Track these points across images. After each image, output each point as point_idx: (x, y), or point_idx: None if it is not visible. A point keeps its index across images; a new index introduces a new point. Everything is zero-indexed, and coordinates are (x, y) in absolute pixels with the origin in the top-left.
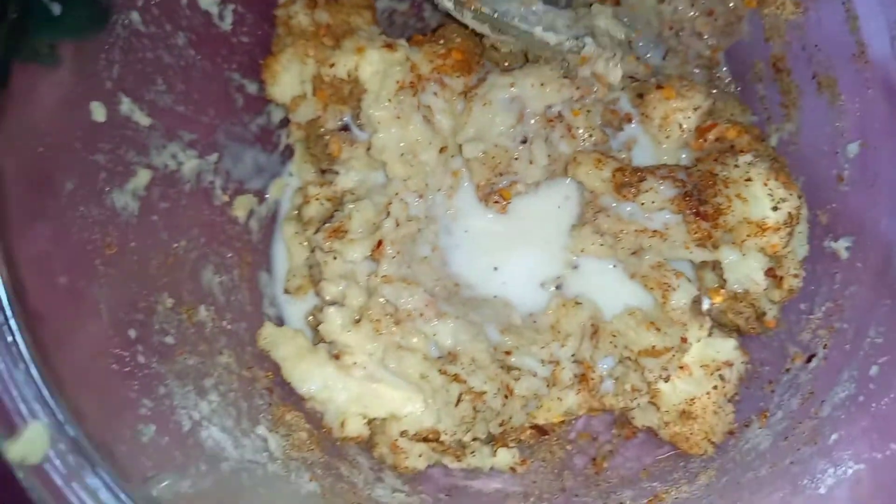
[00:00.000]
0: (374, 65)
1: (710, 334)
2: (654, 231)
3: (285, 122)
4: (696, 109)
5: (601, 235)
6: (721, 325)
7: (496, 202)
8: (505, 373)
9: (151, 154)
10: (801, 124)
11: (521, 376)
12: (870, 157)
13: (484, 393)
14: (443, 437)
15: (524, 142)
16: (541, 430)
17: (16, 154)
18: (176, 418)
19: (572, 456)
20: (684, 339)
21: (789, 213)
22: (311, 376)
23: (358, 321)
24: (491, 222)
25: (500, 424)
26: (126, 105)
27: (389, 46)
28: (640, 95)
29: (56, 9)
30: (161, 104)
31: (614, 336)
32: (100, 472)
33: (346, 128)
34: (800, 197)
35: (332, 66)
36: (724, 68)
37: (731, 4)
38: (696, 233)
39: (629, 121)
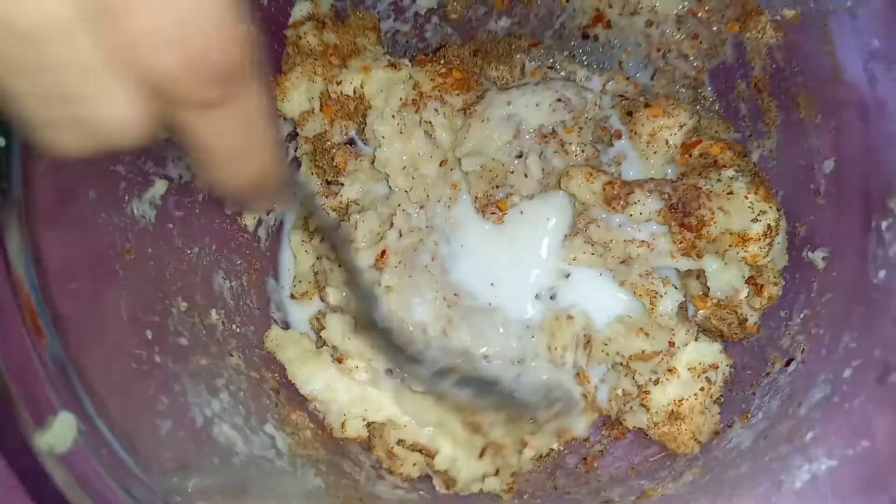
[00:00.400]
0: (378, 83)
1: (696, 339)
2: (642, 241)
3: (293, 136)
4: (681, 127)
5: (592, 245)
6: (706, 330)
7: (493, 213)
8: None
9: (168, 165)
10: (781, 141)
11: (538, 431)
12: (844, 172)
13: (504, 447)
14: (436, 461)
15: (520, 156)
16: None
17: (44, 162)
18: (190, 415)
19: (564, 456)
20: (672, 343)
21: (769, 224)
22: (315, 378)
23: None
24: (487, 232)
25: (511, 475)
26: None
27: (393, 66)
28: (630, 113)
29: None
30: None
31: (605, 344)
32: (124, 461)
33: (351, 142)
34: (779, 210)
35: (338, 83)
36: (709, 88)
37: (715, 28)
38: (681, 243)
39: (619, 137)
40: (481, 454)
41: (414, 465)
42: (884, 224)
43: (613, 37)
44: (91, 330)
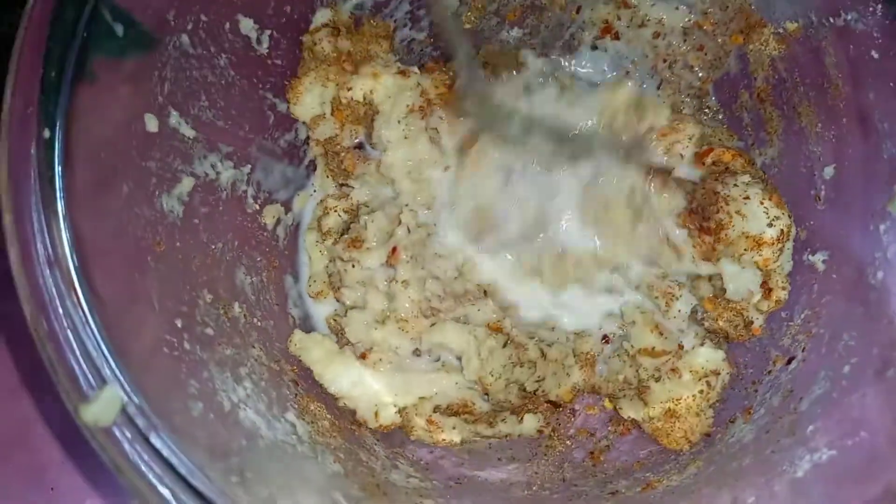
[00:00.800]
0: (387, 89)
1: (702, 343)
2: (674, 246)
3: (307, 139)
4: (690, 138)
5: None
6: (711, 332)
7: None
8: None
9: (194, 163)
10: (783, 149)
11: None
12: (843, 179)
13: (526, 347)
14: (473, 408)
15: None
16: (554, 405)
17: (84, 156)
18: (218, 399)
19: (572, 450)
20: (681, 346)
21: (782, 229)
22: (340, 376)
23: (383, 322)
24: None
25: (537, 381)
26: (174, 118)
27: (403, 73)
28: None
29: (119, 29)
30: (204, 118)
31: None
32: (162, 436)
33: (360, 146)
34: (790, 216)
35: (349, 89)
36: (713, 98)
37: (719, 41)
38: (701, 246)
39: None
40: (504, 345)
41: (454, 428)
42: (881, 227)
43: (622, 47)
44: (127, 314)
